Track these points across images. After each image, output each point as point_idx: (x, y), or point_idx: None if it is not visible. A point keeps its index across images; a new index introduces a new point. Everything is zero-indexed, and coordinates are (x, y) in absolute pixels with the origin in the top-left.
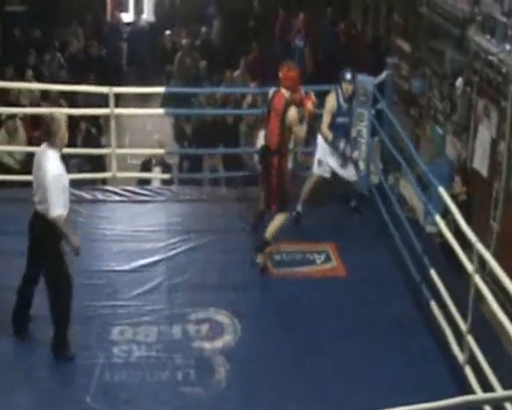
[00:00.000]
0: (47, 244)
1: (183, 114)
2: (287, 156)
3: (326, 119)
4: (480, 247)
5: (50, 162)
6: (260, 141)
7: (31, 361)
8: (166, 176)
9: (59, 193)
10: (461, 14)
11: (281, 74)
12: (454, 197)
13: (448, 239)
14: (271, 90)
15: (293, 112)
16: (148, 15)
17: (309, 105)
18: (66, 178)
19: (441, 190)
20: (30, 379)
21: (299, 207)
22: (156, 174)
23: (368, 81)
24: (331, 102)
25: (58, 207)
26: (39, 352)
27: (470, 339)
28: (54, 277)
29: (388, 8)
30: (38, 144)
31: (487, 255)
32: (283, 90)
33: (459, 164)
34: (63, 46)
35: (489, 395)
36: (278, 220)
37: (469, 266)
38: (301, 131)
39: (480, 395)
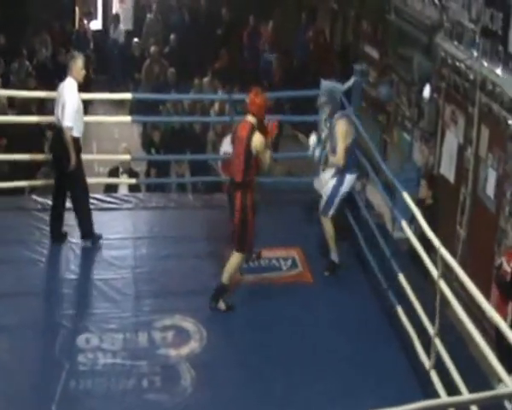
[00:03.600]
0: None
1: (150, 122)
2: (252, 191)
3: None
4: (443, 252)
5: (71, 87)
6: (223, 148)
7: None
8: (133, 180)
9: (72, 111)
10: (429, 21)
11: (247, 99)
12: (420, 201)
13: (413, 244)
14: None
15: (258, 137)
16: (123, 24)
17: (273, 132)
18: (81, 105)
19: (405, 194)
20: None
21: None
22: (123, 179)
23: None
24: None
25: (70, 121)
26: (3, 361)
27: (438, 343)
28: (74, 182)
29: (357, 16)
30: (5, 153)
31: (451, 260)
32: (249, 117)
33: (426, 169)
34: (31, 54)
35: (452, 398)
36: (233, 262)
37: (434, 271)
38: (266, 158)
39: (444, 398)
